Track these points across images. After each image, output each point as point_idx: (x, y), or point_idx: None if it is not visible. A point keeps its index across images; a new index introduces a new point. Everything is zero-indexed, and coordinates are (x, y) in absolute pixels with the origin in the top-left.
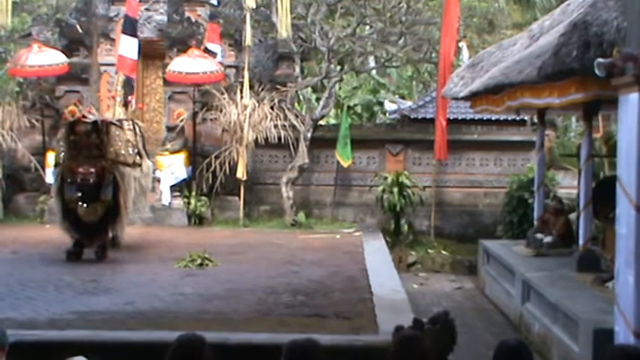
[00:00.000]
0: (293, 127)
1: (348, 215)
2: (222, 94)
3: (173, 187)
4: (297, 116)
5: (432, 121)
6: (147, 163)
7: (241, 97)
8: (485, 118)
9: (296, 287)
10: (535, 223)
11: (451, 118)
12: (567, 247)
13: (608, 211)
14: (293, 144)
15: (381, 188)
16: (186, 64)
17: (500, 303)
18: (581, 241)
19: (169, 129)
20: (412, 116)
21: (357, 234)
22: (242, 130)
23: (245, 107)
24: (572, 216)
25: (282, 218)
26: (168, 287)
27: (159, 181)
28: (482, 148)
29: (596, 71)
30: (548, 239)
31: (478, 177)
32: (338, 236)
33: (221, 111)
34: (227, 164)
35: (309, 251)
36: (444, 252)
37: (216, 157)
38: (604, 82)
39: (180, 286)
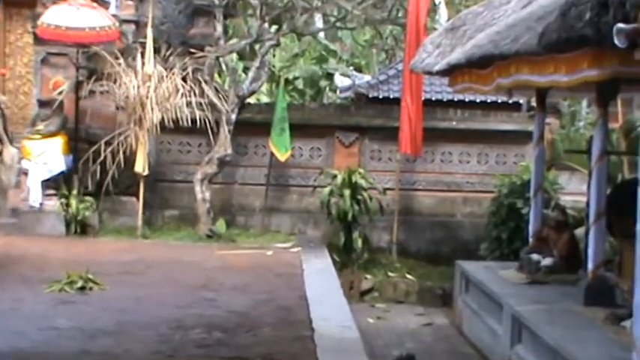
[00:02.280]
0: (212, 105)
1: (284, 225)
2: (117, 58)
3: (46, 183)
4: (217, 91)
5: (397, 102)
6: (9, 151)
7: (143, 64)
8: (467, 99)
9: (212, 320)
10: (530, 240)
11: (423, 98)
12: (572, 272)
13: (626, 225)
14: (212, 129)
15: (327, 190)
16: (66, 15)
17: (483, 345)
18: (590, 266)
19: (42, 104)
20: (371, 95)
21: (295, 250)
22: (143, 109)
23: (148, 77)
24: (580, 232)
25: (194, 228)
26: (35, 319)
27: (26, 174)
28: (463, 139)
29: (615, 40)
30: (547, 262)
31: (456, 178)
32: (269, 253)
33: (115, 81)
34: (122, 154)
35: (230, 272)
36: (409, 276)
37: (107, 144)
38: (625, 55)
39: (53, 318)
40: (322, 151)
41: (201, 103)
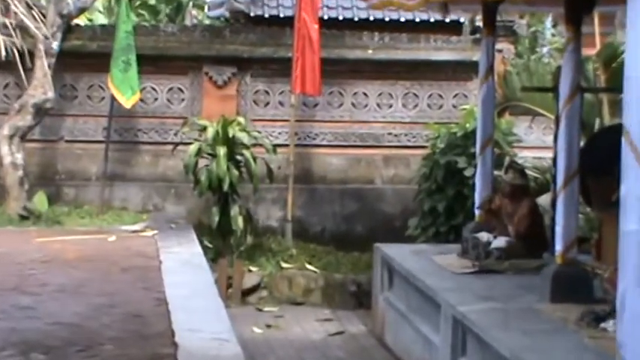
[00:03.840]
0: (23, 29)
1: (133, 199)
2: None
3: None
4: (30, 8)
5: (288, 22)
6: None
7: None
8: (388, 18)
9: (28, 337)
10: (477, 213)
11: (325, 17)
12: (534, 256)
13: (607, 190)
14: (23, 62)
15: (194, 149)
16: None
17: (414, 359)
18: (558, 247)
19: None
20: (253, 13)
21: (149, 234)
22: None
23: None
24: (544, 200)
25: (1, 205)
26: None
27: None
28: (383, 74)
29: None
30: (499, 242)
31: (374, 128)
32: (112, 238)
33: None
34: None
35: (55, 268)
36: (310, 267)
37: None
38: None
39: None
40: (185, 93)
41: (6, 25)
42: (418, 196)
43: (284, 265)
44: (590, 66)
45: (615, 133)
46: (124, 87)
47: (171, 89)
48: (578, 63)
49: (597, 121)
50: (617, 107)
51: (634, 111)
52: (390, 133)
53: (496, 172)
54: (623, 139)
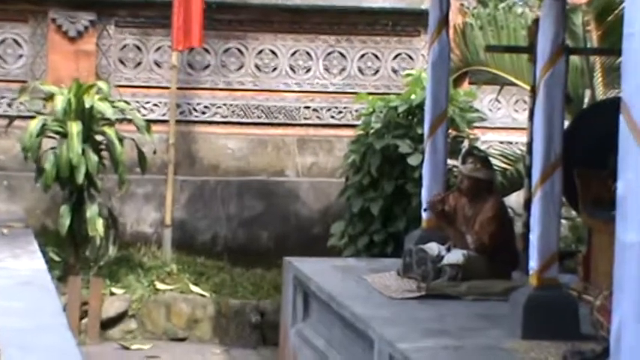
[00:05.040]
0: None
1: None
2: None
3: None
4: None
5: None
6: None
7: None
8: None
9: None
10: (424, 216)
11: None
12: (500, 275)
13: (600, 187)
14: None
15: (36, 125)
16: None
17: None
18: (534, 263)
19: None
20: None
21: None
22: None
23: None
24: (514, 200)
25: None
26: None
27: None
28: (298, 26)
29: None
30: (454, 256)
31: (285, 100)
32: None
33: None
34: None
35: None
36: (196, 289)
37: None
38: None
39: None
40: (24, 48)
41: None
42: (345, 193)
43: (160, 286)
44: (578, 19)
45: (610, 108)
46: None
47: (3, 42)
48: (562, 15)
49: (587, 93)
50: (613, 74)
51: (635, 79)
52: (307, 107)
53: (450, 162)
54: (620, 117)
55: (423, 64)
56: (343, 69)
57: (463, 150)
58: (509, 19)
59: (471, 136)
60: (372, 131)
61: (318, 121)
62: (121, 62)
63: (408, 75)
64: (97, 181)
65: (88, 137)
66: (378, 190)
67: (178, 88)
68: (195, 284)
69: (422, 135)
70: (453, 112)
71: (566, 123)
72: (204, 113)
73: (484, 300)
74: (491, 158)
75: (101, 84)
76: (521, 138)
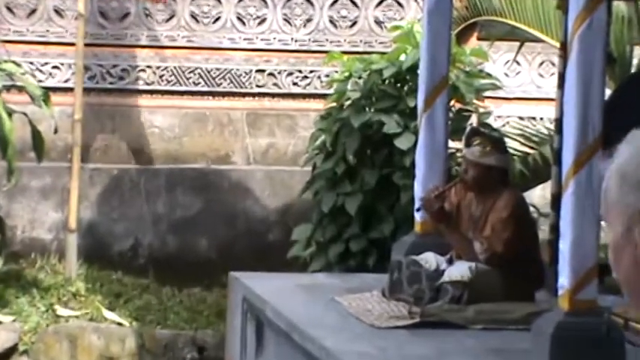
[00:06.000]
0: None
1: None
2: None
3: None
4: None
5: None
6: None
7: None
8: None
9: None
10: (418, 216)
11: None
12: (518, 295)
13: None
14: None
15: None
16: None
17: None
18: (564, 280)
19: None
20: None
21: None
22: None
23: None
24: (537, 195)
25: None
26: None
27: None
28: None
29: None
30: (458, 270)
31: (231, 60)
32: None
33: None
34: None
35: None
36: (111, 315)
37: None
38: None
39: None
40: None
41: None
42: (311, 187)
43: (62, 311)
44: None
45: None
46: None
47: None
48: None
49: (636, 52)
50: None
51: None
52: (260, 71)
53: (453, 144)
54: None
55: (417, 12)
56: (309, 19)
57: (469, 129)
58: None
59: (481, 110)
60: (347, 103)
61: (275, 90)
62: (8, 9)
63: (396, 27)
64: None
65: None
66: (357, 182)
67: (86, 45)
68: (110, 309)
69: (415, 109)
70: (456, 78)
71: (608, 92)
72: (121, 79)
73: (498, 329)
74: (506, 139)
75: None
76: (548, 112)
